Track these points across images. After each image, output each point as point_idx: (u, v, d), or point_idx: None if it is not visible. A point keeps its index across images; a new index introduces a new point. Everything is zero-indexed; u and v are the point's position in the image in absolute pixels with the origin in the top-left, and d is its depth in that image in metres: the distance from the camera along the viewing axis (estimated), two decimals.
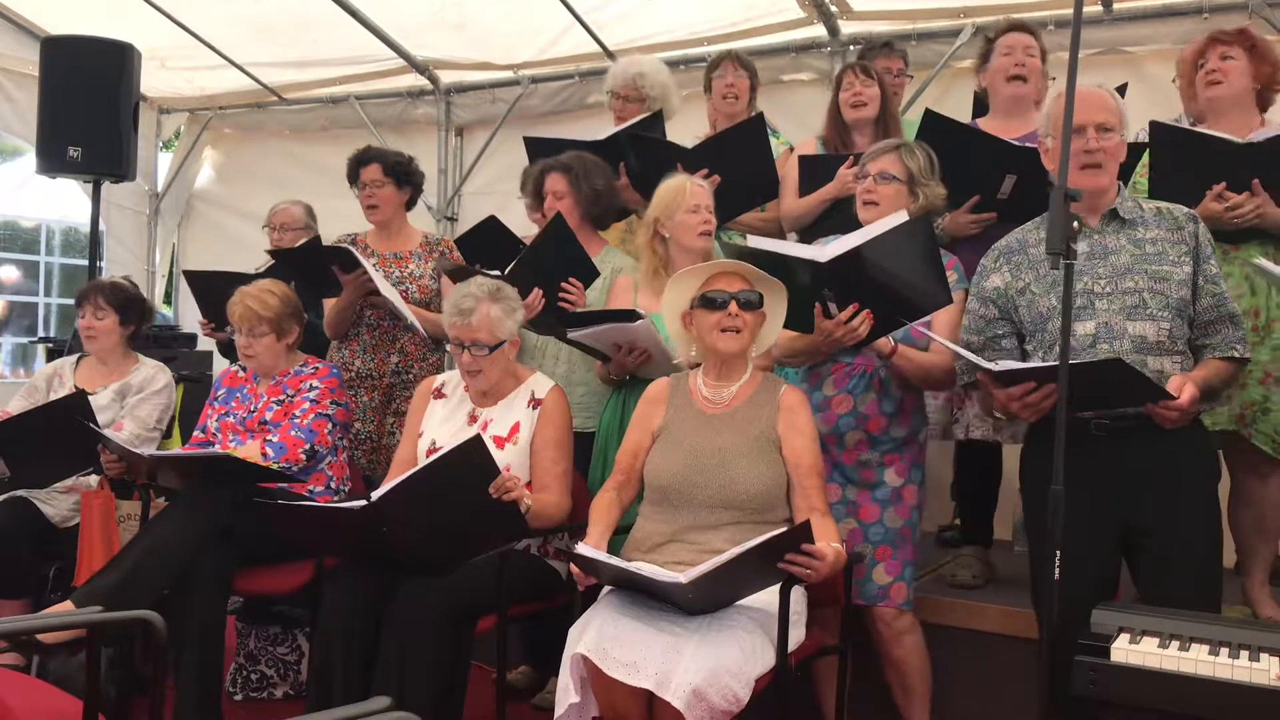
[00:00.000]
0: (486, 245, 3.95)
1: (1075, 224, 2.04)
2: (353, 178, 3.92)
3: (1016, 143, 3.11)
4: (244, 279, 3.61)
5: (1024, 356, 2.57)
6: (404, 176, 3.91)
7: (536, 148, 3.91)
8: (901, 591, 2.84)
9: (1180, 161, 2.94)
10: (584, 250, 3.34)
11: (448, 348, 3.06)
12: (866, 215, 2.87)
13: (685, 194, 3.16)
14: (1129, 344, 2.41)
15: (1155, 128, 3.01)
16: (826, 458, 2.84)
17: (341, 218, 4.60)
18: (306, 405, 3.35)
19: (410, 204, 4.01)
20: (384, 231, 3.94)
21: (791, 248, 2.80)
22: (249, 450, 3.23)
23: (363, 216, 3.99)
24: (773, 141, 3.74)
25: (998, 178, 3.12)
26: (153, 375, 3.74)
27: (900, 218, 2.67)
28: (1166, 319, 2.41)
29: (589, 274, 3.35)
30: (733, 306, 2.62)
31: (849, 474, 2.87)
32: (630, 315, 3.03)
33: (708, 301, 2.65)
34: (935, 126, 3.16)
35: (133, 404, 3.66)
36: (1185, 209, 2.55)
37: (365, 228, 4.01)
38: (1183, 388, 2.30)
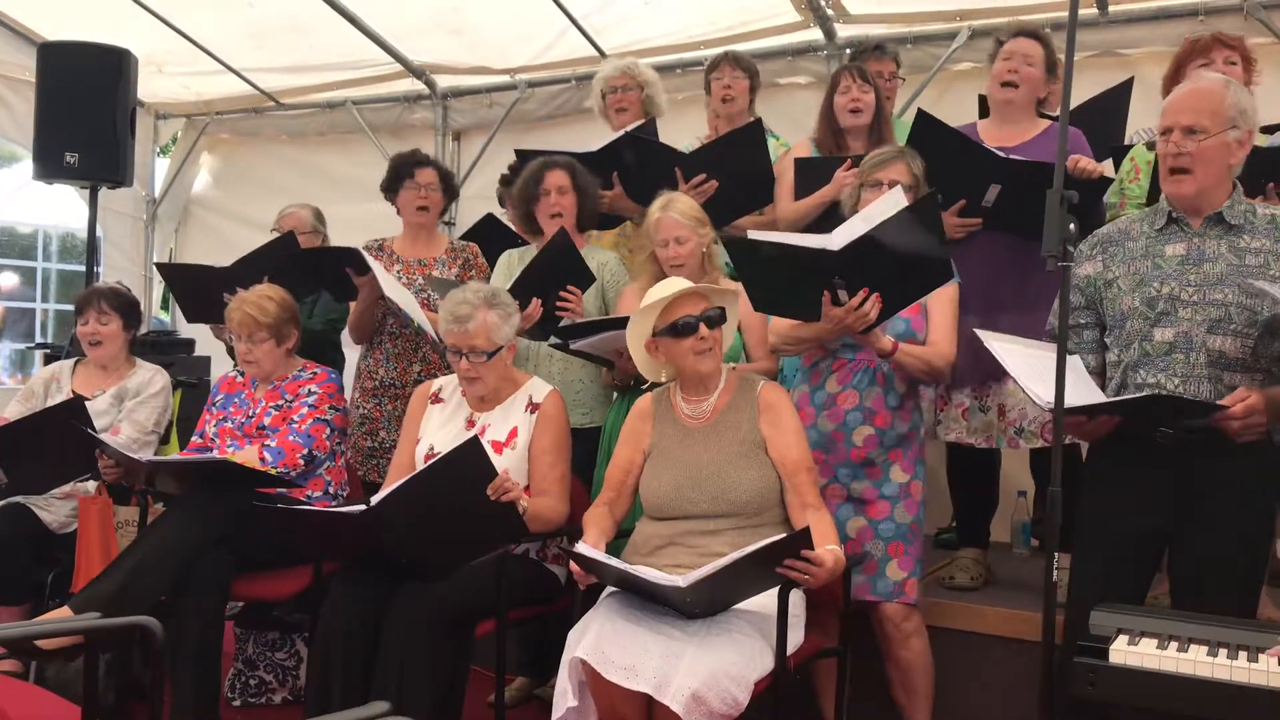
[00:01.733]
0: (486, 243, 3.96)
1: (1072, 226, 2.05)
2: (403, 176, 3.79)
3: (1001, 153, 3.10)
4: (218, 273, 3.61)
5: (1104, 349, 2.55)
6: (450, 187, 3.89)
7: (530, 160, 3.91)
8: (914, 588, 2.84)
9: None
10: (584, 260, 3.33)
11: (448, 356, 3.05)
12: None
13: (657, 227, 3.16)
14: (1204, 357, 2.34)
15: None
16: (833, 455, 2.86)
17: (340, 222, 4.60)
18: (305, 410, 3.35)
19: (443, 213, 4.00)
20: (413, 237, 3.87)
21: (799, 238, 2.81)
22: (247, 455, 3.23)
23: (364, 222, 3.98)
24: (772, 143, 3.75)
25: (984, 185, 3.11)
26: (150, 379, 3.74)
27: (899, 197, 2.65)
28: (1252, 335, 2.32)
29: (587, 281, 3.35)
30: (703, 329, 2.63)
31: (856, 470, 2.86)
32: (626, 323, 3.04)
33: (676, 329, 2.64)
34: (927, 127, 3.17)
35: (130, 408, 3.66)
36: None
37: (387, 232, 3.94)
38: (1244, 399, 2.22)
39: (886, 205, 2.62)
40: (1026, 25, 3.53)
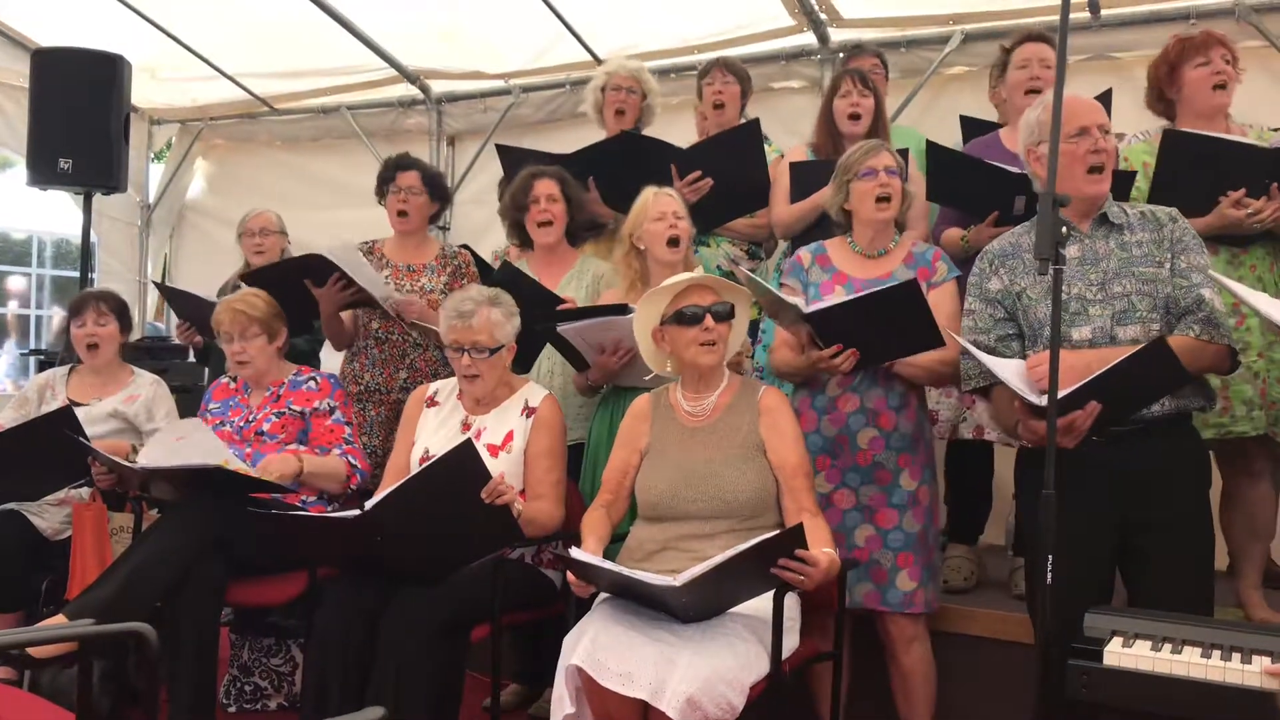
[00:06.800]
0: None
1: (1064, 229, 2.05)
2: (387, 180, 3.80)
3: (1015, 170, 3.10)
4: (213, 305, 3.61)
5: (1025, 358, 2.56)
6: (437, 190, 3.85)
7: (510, 156, 3.90)
8: (923, 597, 2.83)
9: (1192, 168, 2.89)
10: (541, 285, 3.31)
11: (447, 354, 3.05)
12: (880, 212, 2.85)
13: (650, 203, 3.18)
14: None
15: (1170, 135, 2.96)
16: (841, 460, 2.85)
17: (334, 228, 4.59)
18: (341, 424, 3.38)
19: (435, 218, 3.97)
20: (403, 241, 3.84)
21: (776, 292, 2.81)
22: (332, 465, 3.27)
23: (359, 227, 3.95)
24: (765, 149, 3.75)
25: (1008, 198, 3.13)
26: (153, 394, 3.69)
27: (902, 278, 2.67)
28: (1156, 320, 2.41)
29: (552, 304, 3.29)
30: (708, 320, 2.64)
31: (865, 475, 2.84)
32: (622, 309, 3.03)
33: (682, 317, 2.64)
34: (940, 159, 3.19)
35: (151, 433, 3.58)
36: (1167, 210, 2.53)
37: (375, 235, 3.92)
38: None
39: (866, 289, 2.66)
40: (1033, 30, 3.53)
